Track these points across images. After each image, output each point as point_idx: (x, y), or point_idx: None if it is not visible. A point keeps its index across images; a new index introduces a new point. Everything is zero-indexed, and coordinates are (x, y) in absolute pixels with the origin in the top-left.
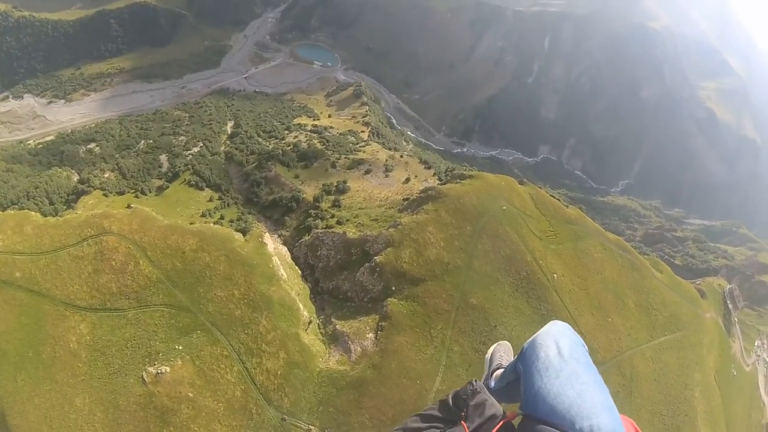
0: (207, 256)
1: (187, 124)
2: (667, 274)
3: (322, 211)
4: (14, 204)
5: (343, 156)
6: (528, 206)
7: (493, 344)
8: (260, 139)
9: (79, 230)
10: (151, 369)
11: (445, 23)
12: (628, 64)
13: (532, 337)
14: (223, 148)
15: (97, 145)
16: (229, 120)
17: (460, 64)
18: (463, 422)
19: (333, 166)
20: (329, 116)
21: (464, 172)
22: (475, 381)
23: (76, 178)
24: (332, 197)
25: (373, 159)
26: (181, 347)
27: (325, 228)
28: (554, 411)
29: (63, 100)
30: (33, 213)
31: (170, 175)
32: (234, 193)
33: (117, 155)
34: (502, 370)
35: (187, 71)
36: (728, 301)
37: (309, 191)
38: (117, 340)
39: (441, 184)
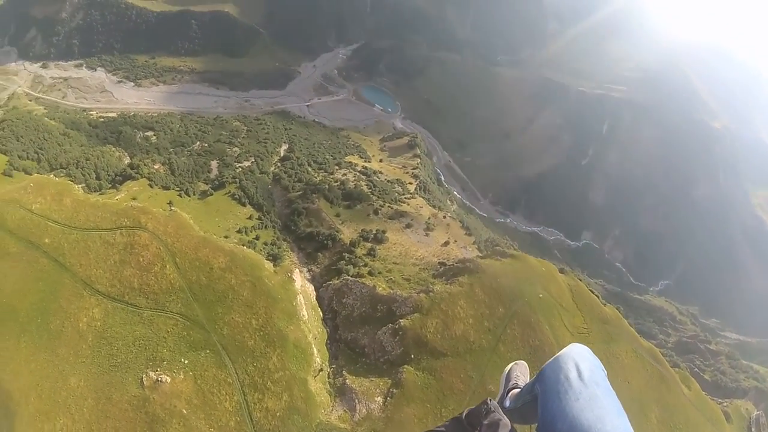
0: (233, 278)
1: (243, 137)
2: (695, 391)
3: (356, 257)
4: (63, 168)
5: (386, 204)
6: (565, 298)
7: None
8: (310, 169)
9: (115, 217)
10: (152, 374)
11: (507, 91)
12: (684, 159)
13: (552, 359)
14: (272, 169)
15: (154, 135)
16: (284, 143)
17: (516, 134)
18: None
19: (375, 212)
20: (380, 161)
21: (505, 250)
22: (490, 400)
23: (127, 161)
24: (369, 245)
25: (415, 214)
26: (186, 361)
27: (355, 276)
28: None
29: (132, 83)
30: (75, 186)
31: (217, 183)
32: (274, 216)
33: (171, 149)
34: (519, 390)
35: (253, 86)
36: (753, 429)
37: (347, 233)
38: (126, 335)
39: (480, 257)
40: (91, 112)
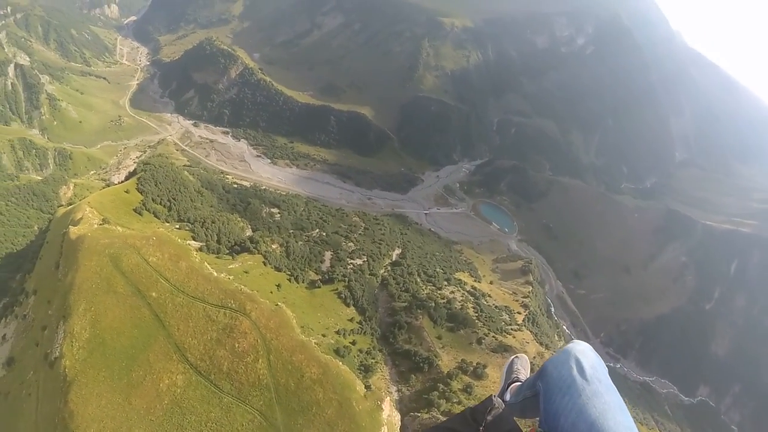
0: (321, 393)
1: (360, 234)
2: None
3: (450, 390)
4: (190, 223)
5: (491, 334)
6: None
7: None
8: (419, 279)
9: (223, 295)
10: None
11: (629, 223)
12: None
13: (553, 355)
14: (382, 272)
15: (278, 213)
16: (398, 247)
17: (636, 270)
18: None
19: (479, 342)
20: (491, 282)
21: None
22: (494, 396)
23: (248, 233)
24: (467, 379)
25: (520, 349)
26: None
27: (446, 413)
28: (576, 429)
29: (269, 160)
30: (195, 251)
31: (327, 276)
32: (375, 323)
33: (291, 231)
34: (519, 384)
35: (377, 186)
36: None
37: (446, 360)
38: (201, 413)
39: None
40: (227, 176)
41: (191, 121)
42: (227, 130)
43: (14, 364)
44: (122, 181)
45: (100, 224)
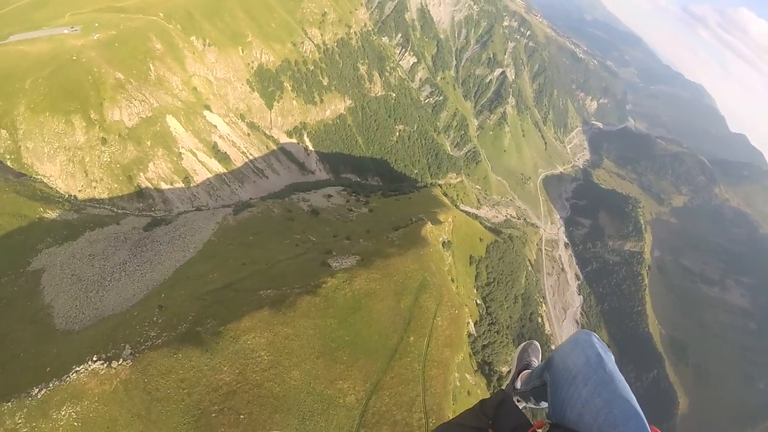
0: None
1: None
2: None
3: None
4: (487, 312)
5: None
6: None
7: (522, 343)
8: None
9: (432, 404)
10: None
11: None
12: None
13: (559, 346)
14: None
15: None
16: None
17: None
18: (490, 430)
19: None
20: None
21: None
22: (504, 389)
23: (503, 370)
24: None
25: None
26: None
27: None
28: (582, 419)
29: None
30: (464, 350)
31: None
32: None
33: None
34: (529, 371)
35: None
36: None
37: None
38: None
39: None
40: (542, 307)
41: (566, 239)
42: (580, 275)
43: (291, 220)
44: (485, 225)
45: (444, 242)
